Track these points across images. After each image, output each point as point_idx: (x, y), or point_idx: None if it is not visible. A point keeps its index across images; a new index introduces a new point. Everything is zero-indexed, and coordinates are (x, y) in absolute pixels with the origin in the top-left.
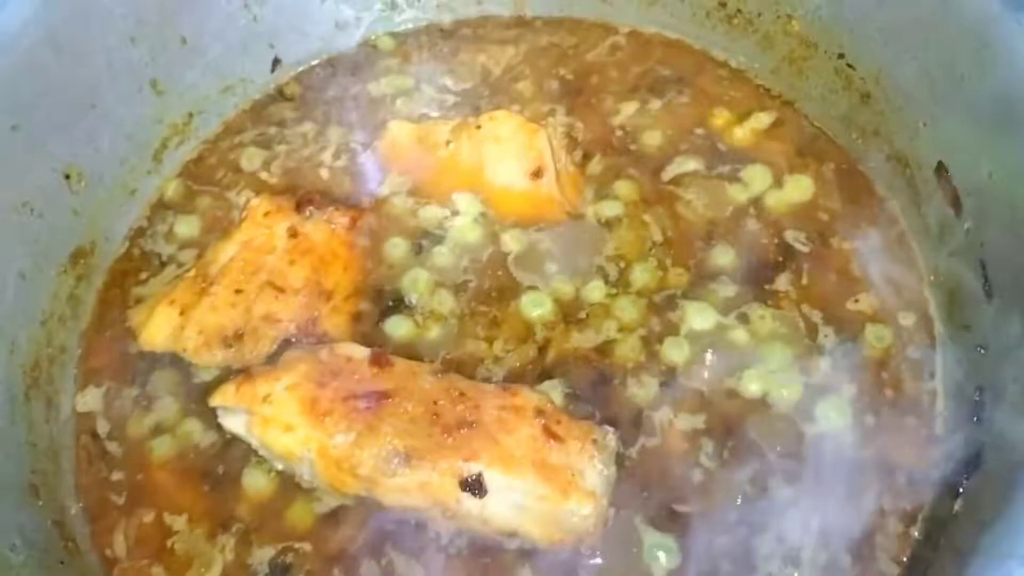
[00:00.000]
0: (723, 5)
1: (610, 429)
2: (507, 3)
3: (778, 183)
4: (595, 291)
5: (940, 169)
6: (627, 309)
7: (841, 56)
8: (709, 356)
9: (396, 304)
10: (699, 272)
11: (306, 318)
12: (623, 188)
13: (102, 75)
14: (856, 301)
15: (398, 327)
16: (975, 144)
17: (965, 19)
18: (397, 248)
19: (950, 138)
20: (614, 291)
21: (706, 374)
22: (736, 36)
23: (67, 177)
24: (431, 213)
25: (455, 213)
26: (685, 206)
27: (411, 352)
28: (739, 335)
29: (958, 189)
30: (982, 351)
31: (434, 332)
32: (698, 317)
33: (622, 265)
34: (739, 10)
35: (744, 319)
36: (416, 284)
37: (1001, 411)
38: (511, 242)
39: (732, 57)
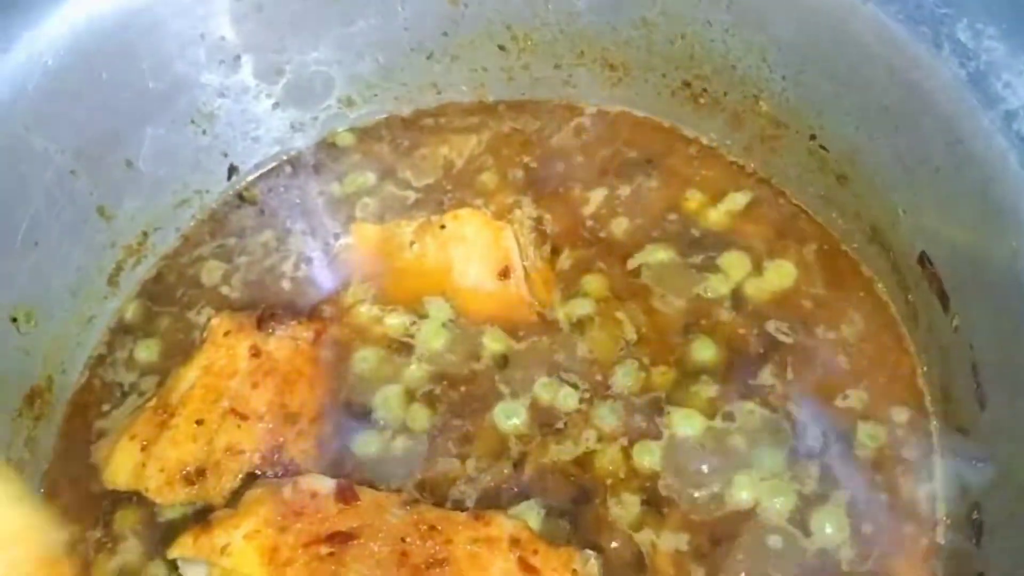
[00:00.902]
0: (687, 84)
1: (591, 554)
2: (467, 91)
3: (757, 269)
4: (569, 399)
5: (923, 259)
6: (606, 417)
7: (813, 137)
8: (695, 464)
9: (364, 421)
10: (681, 370)
11: (271, 446)
12: (592, 284)
13: (42, 213)
14: (845, 397)
15: (367, 445)
16: (956, 239)
17: (937, 111)
18: (365, 362)
19: (931, 229)
20: (589, 396)
21: (694, 488)
22: (704, 115)
23: (14, 320)
24: (398, 320)
25: (423, 317)
26: (660, 300)
27: (381, 471)
28: (727, 438)
29: (943, 282)
30: (979, 464)
31: (404, 449)
32: (684, 424)
33: (596, 369)
34: (704, 89)
35: (730, 418)
36: (387, 401)
37: (997, 543)
38: (489, 344)
39: (703, 135)
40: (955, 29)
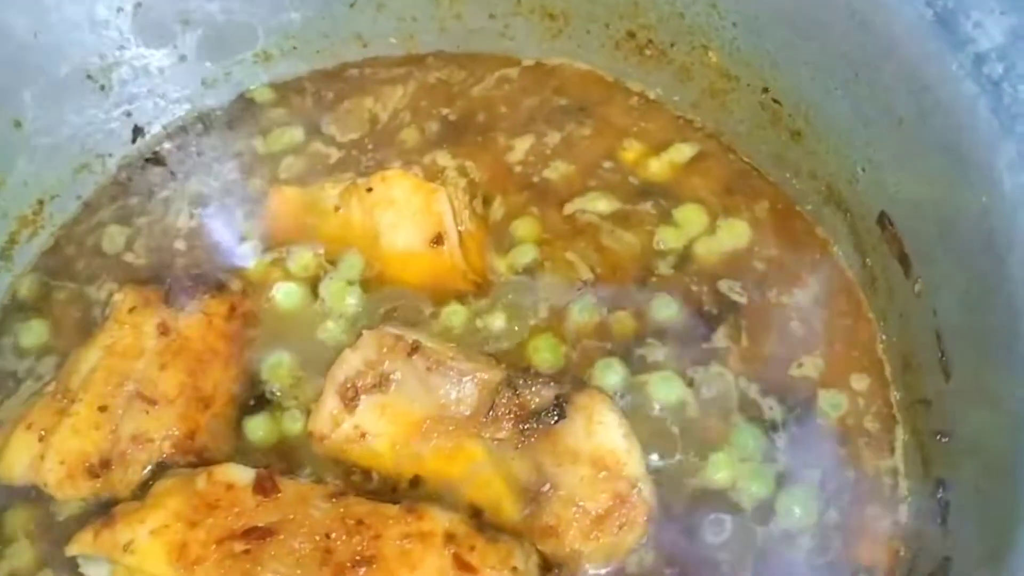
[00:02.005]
0: (632, 35)
1: (533, 549)
2: (396, 44)
3: (710, 228)
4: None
5: (883, 220)
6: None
7: (766, 90)
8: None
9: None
10: (641, 324)
11: (183, 433)
12: (522, 228)
13: None
14: (801, 365)
15: (257, 429)
16: (920, 197)
17: (901, 57)
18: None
19: (892, 187)
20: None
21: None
22: (650, 68)
23: None
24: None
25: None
26: (609, 236)
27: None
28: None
29: (905, 245)
30: (943, 439)
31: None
32: (665, 388)
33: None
34: (650, 40)
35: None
36: (277, 371)
37: (964, 524)
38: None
39: (649, 89)
40: None
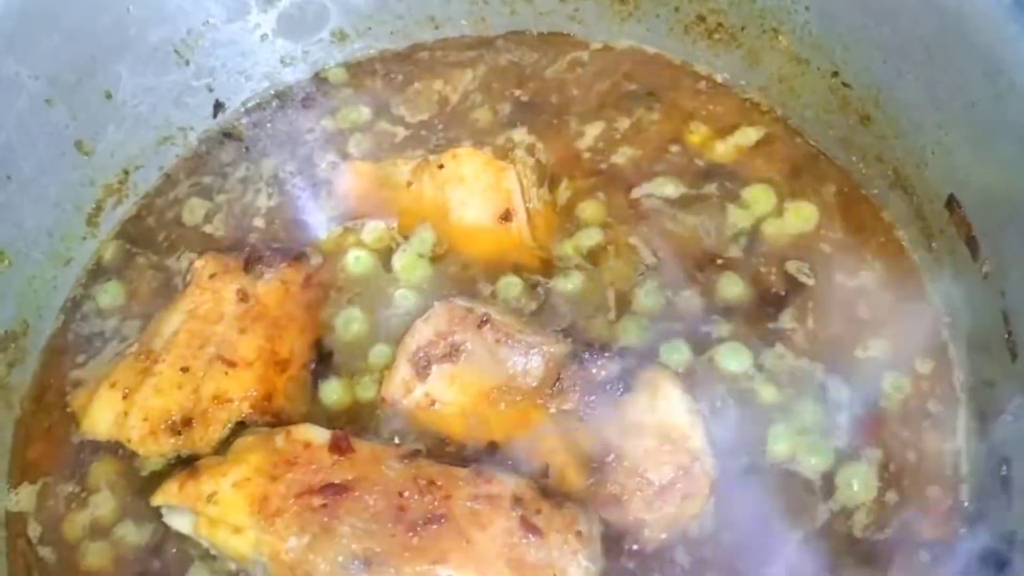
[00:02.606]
0: (702, 19)
1: (596, 516)
2: (466, 25)
3: (778, 210)
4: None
5: (951, 203)
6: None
7: (836, 74)
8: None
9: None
10: (708, 301)
11: (260, 395)
12: (588, 210)
13: (15, 143)
14: (866, 348)
15: (331, 392)
16: (991, 180)
17: (976, 40)
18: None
19: (962, 170)
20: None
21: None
22: (719, 51)
23: None
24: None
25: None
26: (672, 221)
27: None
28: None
29: (973, 228)
30: (1009, 418)
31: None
32: (733, 359)
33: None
34: (720, 24)
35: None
36: (350, 338)
37: None
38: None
39: (717, 73)
40: None
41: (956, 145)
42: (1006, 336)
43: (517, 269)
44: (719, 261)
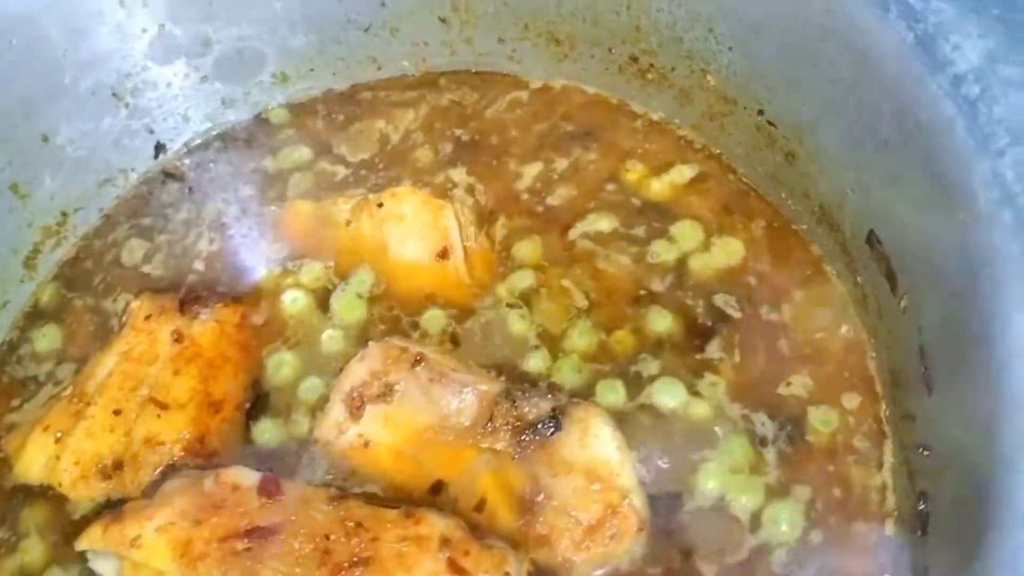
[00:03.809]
0: (635, 59)
1: (526, 556)
2: (408, 66)
3: (705, 245)
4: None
5: (871, 239)
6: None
7: (761, 112)
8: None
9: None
10: (639, 339)
11: (193, 437)
12: (524, 250)
13: None
14: (788, 384)
15: (264, 432)
16: (905, 217)
17: (885, 79)
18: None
19: (880, 207)
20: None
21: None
22: (652, 91)
23: None
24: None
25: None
26: (605, 260)
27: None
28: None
29: (891, 263)
30: (925, 452)
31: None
32: (668, 393)
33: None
34: (651, 64)
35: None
36: (284, 378)
37: (940, 534)
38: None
39: (652, 111)
40: None
41: (873, 183)
42: (923, 370)
43: (449, 306)
44: (648, 296)
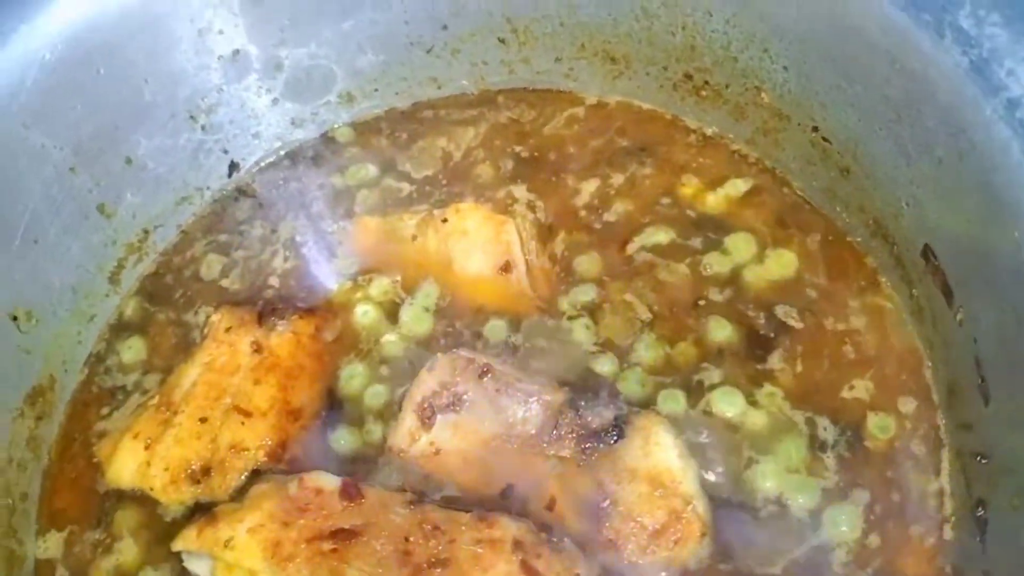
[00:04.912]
0: (689, 77)
1: (596, 560)
2: (468, 85)
3: (759, 257)
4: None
5: (927, 252)
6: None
7: (816, 129)
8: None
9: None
10: (702, 349)
11: (275, 443)
12: (585, 265)
13: (41, 210)
14: (852, 388)
15: (341, 440)
16: (960, 232)
17: (939, 101)
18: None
19: (934, 222)
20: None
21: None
22: (707, 107)
23: (14, 319)
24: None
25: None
26: (665, 271)
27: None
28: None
29: (947, 277)
30: (983, 460)
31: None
32: (727, 403)
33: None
34: (706, 82)
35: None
36: (358, 387)
37: (1001, 540)
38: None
39: (706, 127)
40: (957, 16)
41: (927, 198)
42: (979, 381)
43: (513, 319)
44: (708, 307)
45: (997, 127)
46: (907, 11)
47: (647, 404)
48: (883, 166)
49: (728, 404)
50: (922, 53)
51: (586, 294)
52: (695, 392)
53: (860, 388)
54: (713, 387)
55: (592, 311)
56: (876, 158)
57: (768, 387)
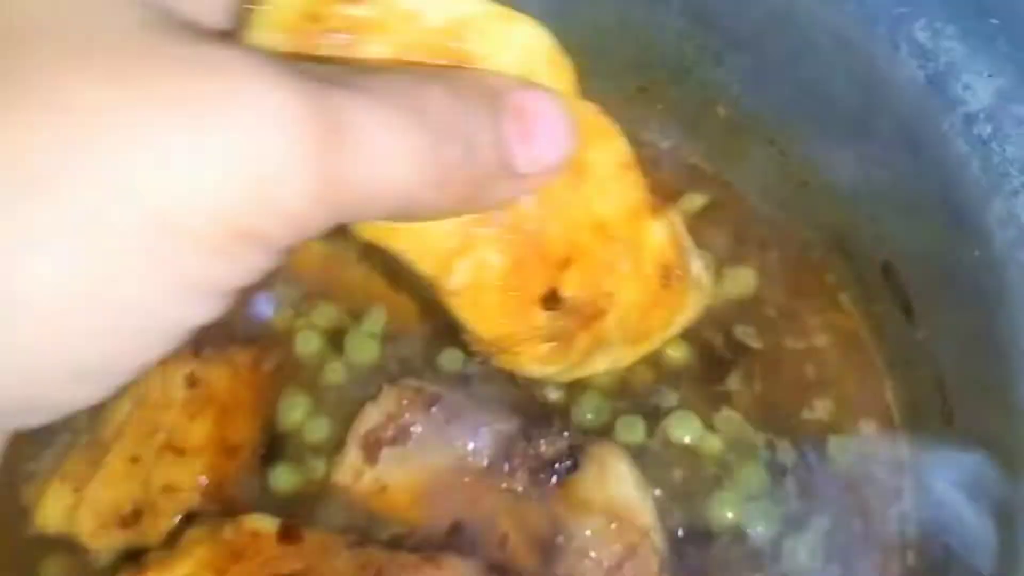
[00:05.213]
0: (643, 90)
1: None
2: None
3: (717, 274)
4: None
5: (887, 269)
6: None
7: (772, 143)
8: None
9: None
10: (657, 371)
11: (211, 482)
12: None
13: None
14: (812, 409)
15: (281, 478)
16: (920, 250)
17: (896, 115)
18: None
19: (894, 239)
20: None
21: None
22: (662, 120)
23: None
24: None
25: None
26: None
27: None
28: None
29: (907, 294)
30: (946, 485)
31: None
32: (683, 428)
33: None
34: (661, 95)
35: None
36: (299, 421)
37: (962, 567)
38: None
39: (661, 140)
40: (913, 29)
41: (887, 214)
42: (941, 402)
43: (464, 343)
44: None
45: (955, 143)
46: (862, 24)
47: (604, 431)
48: (842, 181)
49: (685, 429)
50: (877, 67)
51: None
52: (652, 416)
53: (821, 409)
54: (670, 411)
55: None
56: (834, 172)
57: (726, 410)
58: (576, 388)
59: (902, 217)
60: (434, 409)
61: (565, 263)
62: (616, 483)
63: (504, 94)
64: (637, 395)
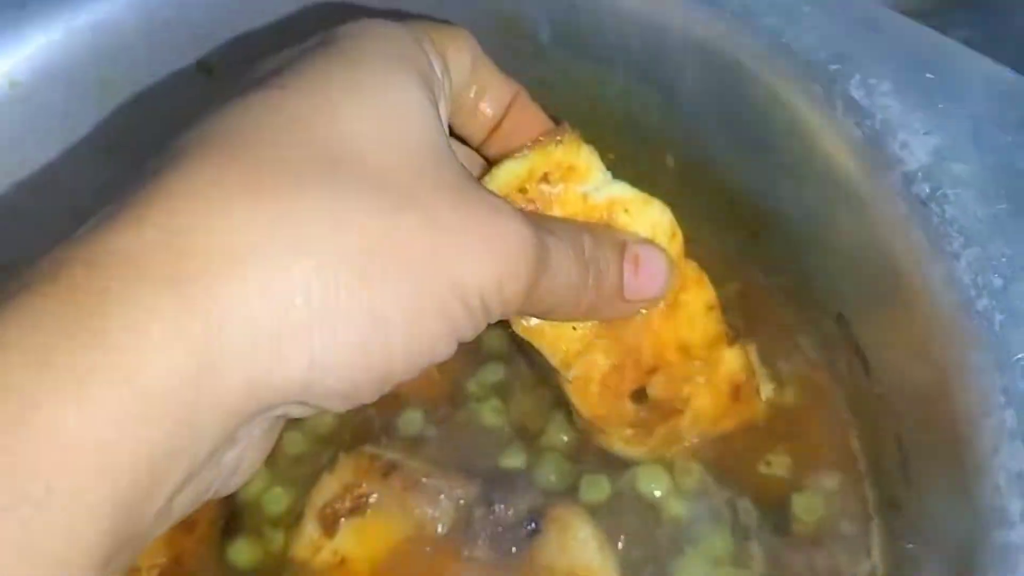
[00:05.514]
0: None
1: None
2: None
3: None
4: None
5: (841, 322)
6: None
7: (721, 192)
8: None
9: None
10: None
11: (169, 559)
12: (491, 341)
13: None
14: (768, 464)
15: (239, 552)
16: (869, 306)
17: (837, 172)
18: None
19: (844, 293)
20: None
21: None
22: (616, 170)
23: None
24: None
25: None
26: None
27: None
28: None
29: (862, 347)
30: (909, 545)
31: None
32: (652, 482)
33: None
34: (610, 146)
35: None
36: (255, 492)
37: None
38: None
39: None
40: (848, 86)
41: (835, 267)
42: (902, 460)
43: (420, 405)
44: None
45: (895, 202)
46: (798, 81)
47: (568, 490)
48: (790, 232)
49: (654, 484)
50: (816, 124)
51: (494, 374)
52: (615, 471)
53: (780, 461)
54: (632, 465)
55: (501, 391)
56: (783, 223)
57: (685, 463)
58: (537, 449)
59: (850, 273)
60: (391, 476)
61: (653, 370)
62: (578, 548)
63: (628, 245)
64: (597, 450)
